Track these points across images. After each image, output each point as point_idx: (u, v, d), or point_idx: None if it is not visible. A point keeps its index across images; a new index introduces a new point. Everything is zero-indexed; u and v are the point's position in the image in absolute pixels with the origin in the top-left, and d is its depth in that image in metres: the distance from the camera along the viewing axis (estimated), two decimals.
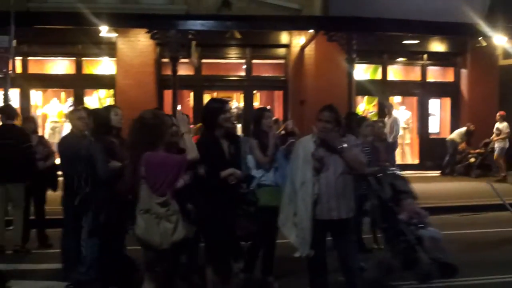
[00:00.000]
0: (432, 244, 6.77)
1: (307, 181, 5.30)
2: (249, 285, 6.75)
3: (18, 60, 14.53)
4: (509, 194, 11.58)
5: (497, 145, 15.97)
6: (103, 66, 16.88)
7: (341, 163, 5.40)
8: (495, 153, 16.00)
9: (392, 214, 6.99)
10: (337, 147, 5.38)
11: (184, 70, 15.89)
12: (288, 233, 5.47)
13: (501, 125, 15.93)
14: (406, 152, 18.05)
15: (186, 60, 15.25)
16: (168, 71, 15.14)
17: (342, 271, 5.56)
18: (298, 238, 5.33)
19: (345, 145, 5.41)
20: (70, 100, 16.58)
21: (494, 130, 16.07)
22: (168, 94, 15.95)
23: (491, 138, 16.28)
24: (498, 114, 16.08)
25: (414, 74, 18.35)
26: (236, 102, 17.74)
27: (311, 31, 15.71)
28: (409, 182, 7.40)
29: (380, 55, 17.41)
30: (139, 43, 16.09)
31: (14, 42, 12.33)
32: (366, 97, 17.93)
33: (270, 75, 17.92)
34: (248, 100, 17.29)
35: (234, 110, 16.25)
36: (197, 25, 14.38)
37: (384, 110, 15.94)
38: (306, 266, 5.61)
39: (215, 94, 16.98)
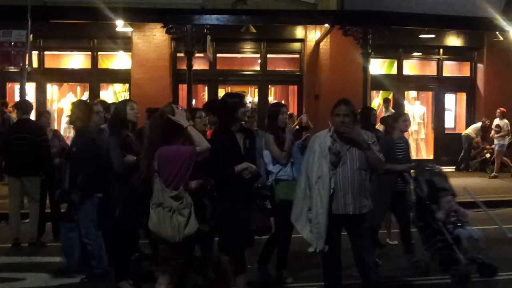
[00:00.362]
0: (470, 244, 6.67)
1: (324, 176, 5.28)
2: (263, 279, 6.77)
3: (35, 55, 14.60)
4: None
5: (496, 142, 15.88)
6: (118, 60, 16.95)
7: (358, 159, 5.38)
8: (495, 150, 15.92)
9: (429, 212, 6.87)
10: (362, 143, 5.35)
11: (199, 64, 15.92)
12: (302, 228, 5.46)
13: (501, 122, 15.84)
14: (421, 147, 17.97)
15: (201, 55, 15.25)
16: (183, 66, 15.16)
17: (357, 267, 5.54)
18: (313, 233, 5.31)
19: (370, 142, 5.41)
20: (86, 94, 16.66)
21: (493, 127, 15.99)
22: (183, 88, 15.98)
23: (491, 135, 16.18)
24: (498, 110, 15.98)
25: (430, 69, 18.24)
26: (251, 97, 17.75)
27: (327, 25, 15.66)
28: (449, 178, 7.28)
29: (396, 50, 17.33)
30: (155, 38, 16.14)
31: (30, 37, 12.40)
32: (381, 91, 17.85)
33: (285, 69, 17.90)
34: (263, 94, 17.29)
35: (249, 105, 16.27)
36: (212, 19, 14.39)
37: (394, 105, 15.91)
38: (320, 261, 5.61)
39: (229, 89, 17.00)
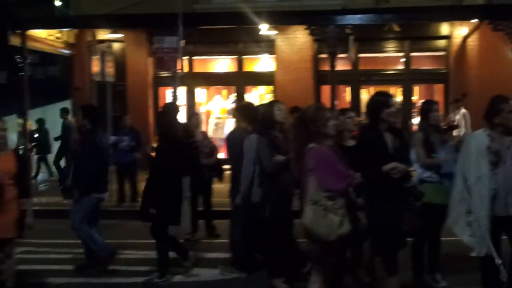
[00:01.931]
0: None
1: (483, 176, 5.11)
2: (417, 281, 6.63)
3: (185, 60, 15.28)
4: None
5: None
6: (262, 63, 17.32)
7: None
8: None
9: None
10: None
11: (341, 65, 15.86)
12: (461, 232, 5.29)
13: None
14: None
15: (343, 55, 15.22)
16: (325, 67, 15.18)
17: None
18: (475, 236, 5.13)
19: None
20: (232, 96, 17.19)
21: None
22: (324, 89, 16.07)
23: None
24: None
25: None
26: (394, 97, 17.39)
27: (475, 20, 15.04)
28: None
29: None
30: (297, 40, 16.34)
31: (182, 43, 12.98)
32: None
33: (430, 68, 17.40)
34: (407, 94, 16.92)
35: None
36: (355, 19, 14.26)
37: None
38: (478, 264, 5.41)
39: (372, 89, 16.79)
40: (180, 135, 7.58)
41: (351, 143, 6.43)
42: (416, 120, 15.12)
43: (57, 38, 16.06)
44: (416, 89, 17.65)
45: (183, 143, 7.64)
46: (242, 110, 7.75)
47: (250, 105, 8.20)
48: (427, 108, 6.75)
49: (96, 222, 7.75)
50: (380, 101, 5.62)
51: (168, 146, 7.30)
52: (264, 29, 15.14)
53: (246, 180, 6.94)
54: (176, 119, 7.84)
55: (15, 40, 14.14)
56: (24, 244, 7.38)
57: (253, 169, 6.94)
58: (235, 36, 15.93)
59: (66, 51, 16.69)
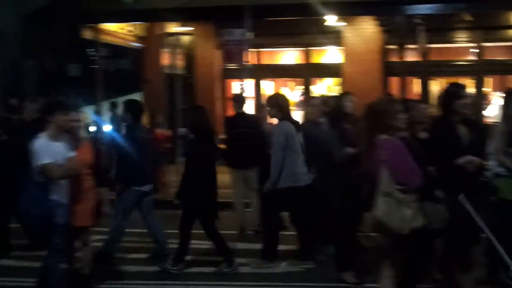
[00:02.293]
0: None
1: None
2: (491, 277, 6.47)
3: (252, 52, 15.35)
4: None
5: None
6: (329, 55, 17.20)
7: None
8: None
9: None
10: None
11: (410, 56, 15.59)
12: None
13: None
14: None
15: (412, 46, 14.94)
16: (393, 58, 14.92)
17: None
18: None
19: None
20: (299, 89, 17.15)
21: None
22: (392, 81, 15.81)
23: None
24: None
25: None
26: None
27: None
28: None
29: None
30: (365, 31, 16.12)
31: (250, 35, 13.04)
32: None
33: (503, 58, 16.85)
34: (479, 86, 16.45)
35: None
36: (424, 9, 14.02)
37: None
38: None
39: (442, 81, 16.39)
40: (213, 129, 7.57)
41: (423, 135, 6.33)
42: (488, 112, 14.76)
43: (129, 31, 16.40)
44: (489, 80, 17.13)
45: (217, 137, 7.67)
46: (272, 100, 7.78)
47: (278, 95, 8.48)
48: (507, 99, 6.53)
49: (150, 215, 7.75)
50: (453, 92, 5.55)
51: (201, 141, 7.29)
52: (332, 20, 15.02)
53: (275, 166, 6.97)
54: (207, 113, 7.80)
55: (87, 34, 14.57)
56: (100, 233, 7.59)
57: (282, 156, 6.98)
58: (302, 27, 15.85)
59: (137, 44, 17.01)
